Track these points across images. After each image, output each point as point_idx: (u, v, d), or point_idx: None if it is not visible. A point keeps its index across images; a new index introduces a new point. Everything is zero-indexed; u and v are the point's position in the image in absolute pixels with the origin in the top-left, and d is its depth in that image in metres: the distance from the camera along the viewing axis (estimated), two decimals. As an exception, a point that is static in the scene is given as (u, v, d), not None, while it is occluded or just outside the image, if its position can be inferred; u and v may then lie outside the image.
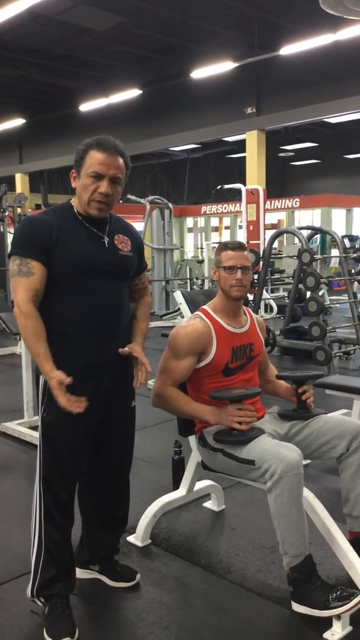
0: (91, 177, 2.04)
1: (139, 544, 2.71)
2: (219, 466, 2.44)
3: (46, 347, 1.99)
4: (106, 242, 2.13)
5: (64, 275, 2.05)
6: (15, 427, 4.33)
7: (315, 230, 7.88)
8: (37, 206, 19.71)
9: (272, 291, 11.89)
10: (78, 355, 2.07)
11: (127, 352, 2.12)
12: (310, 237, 7.47)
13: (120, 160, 2.07)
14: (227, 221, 24.24)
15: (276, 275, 10.65)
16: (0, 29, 11.38)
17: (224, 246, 2.52)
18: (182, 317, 2.98)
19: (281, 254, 12.52)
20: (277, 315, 8.61)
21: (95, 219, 2.12)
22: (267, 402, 2.64)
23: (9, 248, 2.09)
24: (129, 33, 12.65)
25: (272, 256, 8.10)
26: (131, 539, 2.73)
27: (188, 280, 13.51)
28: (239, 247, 2.49)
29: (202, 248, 18.89)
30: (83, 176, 2.06)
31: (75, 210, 2.12)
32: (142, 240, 2.36)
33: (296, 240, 11.05)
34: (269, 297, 9.49)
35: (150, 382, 3.01)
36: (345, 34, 10.92)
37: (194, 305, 2.72)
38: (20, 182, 21.07)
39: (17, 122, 18.33)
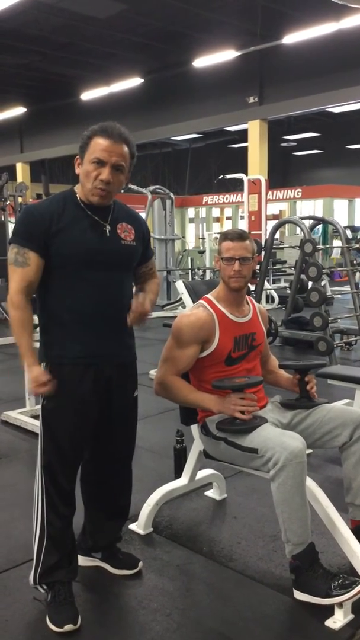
0: (93, 163, 2.01)
1: (141, 532, 2.72)
2: (222, 455, 2.44)
3: (30, 339, 2.05)
4: (108, 231, 2.11)
5: (63, 264, 2.04)
6: (17, 415, 4.34)
7: (318, 220, 7.84)
8: (38, 196, 19.65)
9: (274, 282, 11.89)
10: (77, 343, 2.06)
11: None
12: (312, 228, 7.44)
13: (125, 148, 2.03)
14: (228, 212, 24.19)
15: (278, 266, 10.64)
16: (2, 16, 11.33)
17: (224, 236, 2.49)
18: (184, 307, 2.97)
19: (283, 245, 12.50)
20: (279, 306, 8.60)
21: (97, 207, 2.10)
22: (269, 392, 2.64)
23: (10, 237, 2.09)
24: (131, 21, 12.57)
25: (274, 247, 8.07)
26: (133, 527, 2.74)
27: (189, 271, 13.51)
28: (239, 237, 2.44)
29: (203, 238, 18.87)
30: (86, 162, 2.03)
31: (78, 197, 2.10)
32: (147, 227, 2.34)
33: (298, 230, 11.01)
34: (270, 287, 9.48)
35: (153, 372, 3.01)
36: (348, 22, 10.85)
37: (195, 295, 2.71)
38: (21, 171, 21.04)
39: (18, 110, 18.27)
